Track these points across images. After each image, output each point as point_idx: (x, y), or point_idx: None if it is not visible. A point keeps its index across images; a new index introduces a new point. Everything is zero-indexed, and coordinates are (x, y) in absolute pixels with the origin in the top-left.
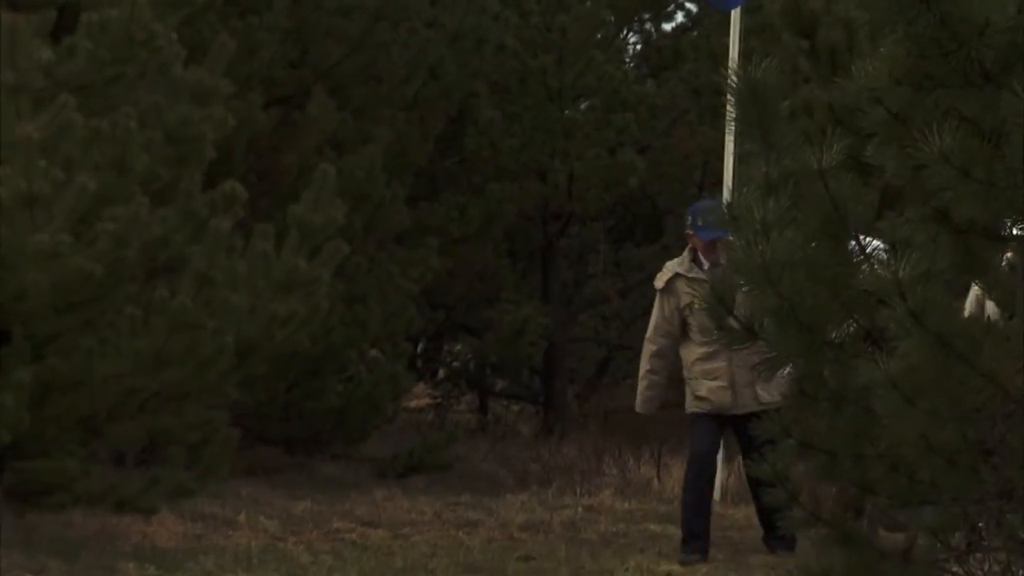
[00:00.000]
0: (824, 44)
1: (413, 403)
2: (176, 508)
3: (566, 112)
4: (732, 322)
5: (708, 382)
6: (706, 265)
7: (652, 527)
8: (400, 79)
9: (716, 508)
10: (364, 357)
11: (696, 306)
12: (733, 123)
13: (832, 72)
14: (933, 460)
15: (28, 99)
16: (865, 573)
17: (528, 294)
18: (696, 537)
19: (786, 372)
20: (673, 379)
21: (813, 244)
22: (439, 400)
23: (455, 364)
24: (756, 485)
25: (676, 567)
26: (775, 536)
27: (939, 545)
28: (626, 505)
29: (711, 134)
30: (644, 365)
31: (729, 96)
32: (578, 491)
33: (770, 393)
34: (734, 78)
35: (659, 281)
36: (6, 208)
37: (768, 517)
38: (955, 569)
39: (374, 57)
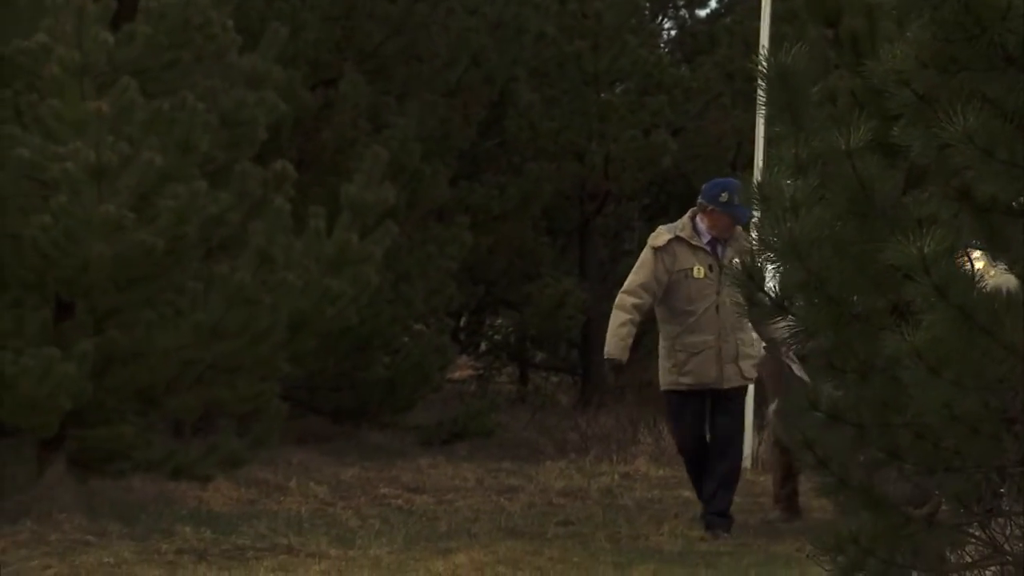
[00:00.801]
0: (847, 32)
1: (456, 374)
2: (230, 475)
3: (602, 95)
4: (762, 296)
5: (695, 356)
6: (706, 238)
7: (686, 493)
8: (442, 63)
9: (747, 476)
10: (409, 331)
11: (696, 274)
12: (763, 107)
13: (855, 60)
14: (957, 428)
15: (92, 80)
16: (891, 536)
17: (566, 270)
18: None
19: (762, 348)
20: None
21: (840, 222)
22: (481, 371)
23: (496, 337)
24: (720, 458)
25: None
26: (715, 513)
27: (962, 510)
28: (660, 472)
29: (743, 117)
30: (624, 313)
31: (760, 81)
32: (614, 459)
33: (750, 368)
34: (764, 63)
35: (659, 239)
36: (74, 181)
37: (714, 493)
38: (977, 533)
39: (415, 39)
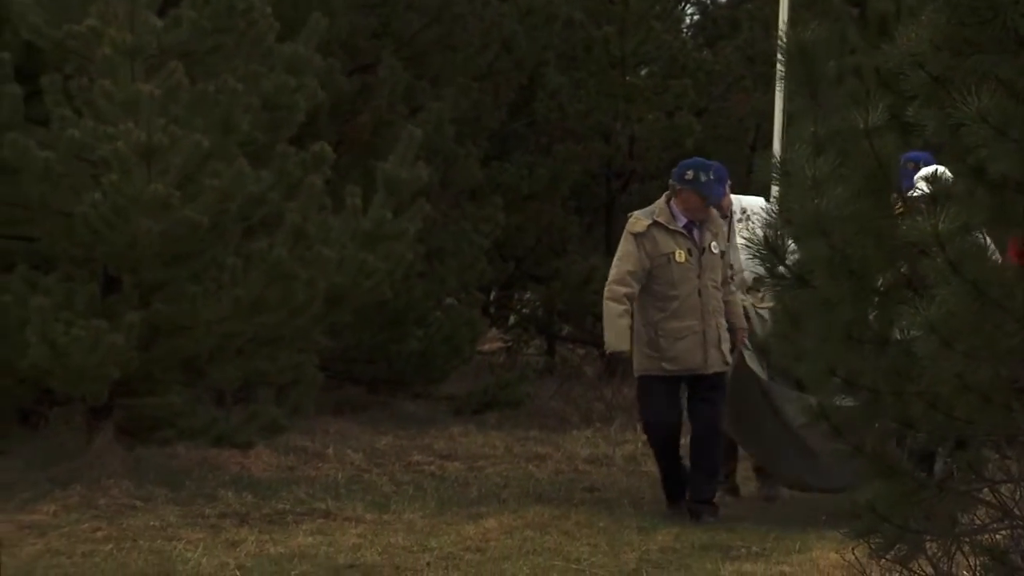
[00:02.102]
0: (874, 13)
1: (487, 347)
2: (270, 442)
3: (628, 78)
4: (783, 270)
5: (679, 342)
6: (682, 221)
7: None
8: (475, 50)
9: None
10: (441, 305)
11: (679, 258)
12: (783, 82)
13: (879, 38)
14: (969, 398)
15: (141, 63)
16: (906, 503)
17: (592, 247)
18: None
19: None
20: None
21: (858, 199)
22: (510, 344)
23: (525, 311)
24: (704, 448)
25: (728, 498)
26: (700, 501)
27: (973, 477)
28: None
29: (763, 99)
30: (618, 304)
31: (779, 56)
32: (638, 428)
33: (729, 353)
34: (784, 38)
35: (638, 226)
36: (124, 160)
37: (700, 483)
38: (987, 498)
39: (451, 28)
